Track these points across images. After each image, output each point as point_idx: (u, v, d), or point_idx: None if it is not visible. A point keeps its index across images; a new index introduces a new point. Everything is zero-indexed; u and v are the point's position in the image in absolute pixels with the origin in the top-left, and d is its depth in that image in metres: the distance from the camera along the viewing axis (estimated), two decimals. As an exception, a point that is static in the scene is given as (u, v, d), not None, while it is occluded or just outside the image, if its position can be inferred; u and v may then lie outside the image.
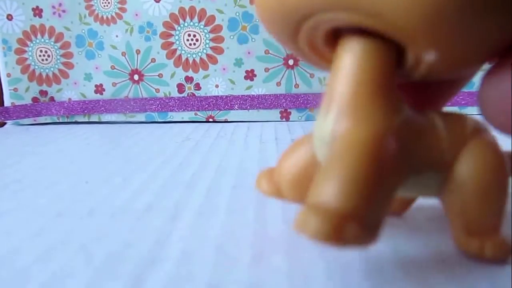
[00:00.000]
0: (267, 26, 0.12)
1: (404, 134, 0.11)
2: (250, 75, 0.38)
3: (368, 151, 0.10)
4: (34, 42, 0.39)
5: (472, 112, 0.38)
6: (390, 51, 0.11)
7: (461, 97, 0.37)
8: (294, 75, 0.38)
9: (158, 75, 0.39)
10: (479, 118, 0.13)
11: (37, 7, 0.38)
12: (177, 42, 0.38)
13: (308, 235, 0.11)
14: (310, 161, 0.13)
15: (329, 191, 0.10)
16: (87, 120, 0.40)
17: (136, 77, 0.39)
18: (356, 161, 0.10)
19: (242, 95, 0.39)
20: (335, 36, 0.11)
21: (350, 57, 0.11)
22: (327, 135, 0.11)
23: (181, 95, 0.39)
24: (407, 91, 0.13)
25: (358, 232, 0.09)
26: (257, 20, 0.37)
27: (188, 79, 0.39)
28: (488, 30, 0.09)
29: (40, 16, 0.38)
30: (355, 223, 0.09)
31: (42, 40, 0.39)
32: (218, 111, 0.39)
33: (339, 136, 0.11)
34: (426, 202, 0.16)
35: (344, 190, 0.10)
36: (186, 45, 0.38)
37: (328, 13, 0.10)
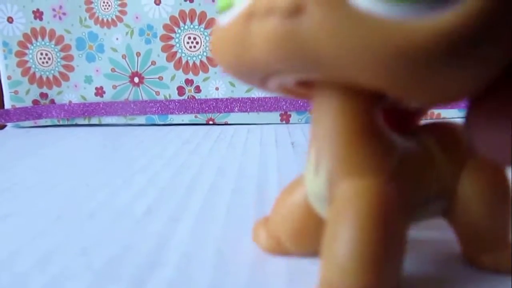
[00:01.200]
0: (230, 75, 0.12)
1: (403, 175, 0.11)
2: (250, 77, 0.38)
3: (373, 212, 0.10)
4: (34, 44, 0.39)
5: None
6: (367, 96, 0.10)
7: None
8: (294, 78, 0.38)
9: (158, 78, 0.39)
10: None
11: (38, 9, 0.38)
12: (177, 45, 0.38)
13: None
14: (308, 212, 0.12)
15: (342, 266, 0.09)
16: (87, 123, 0.40)
17: (136, 79, 0.39)
18: (364, 229, 0.10)
19: (242, 98, 0.39)
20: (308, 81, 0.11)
21: (329, 112, 0.10)
22: (322, 192, 0.11)
23: (181, 98, 0.39)
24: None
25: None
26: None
27: (188, 82, 0.39)
28: (466, 73, 0.09)
29: (41, 19, 0.39)
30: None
31: (43, 42, 0.39)
32: (218, 113, 0.39)
33: (340, 197, 0.10)
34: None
35: (358, 265, 0.09)
36: (186, 48, 0.38)
37: (290, 73, 0.10)
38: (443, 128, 0.13)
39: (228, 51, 0.10)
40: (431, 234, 0.15)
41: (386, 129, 0.11)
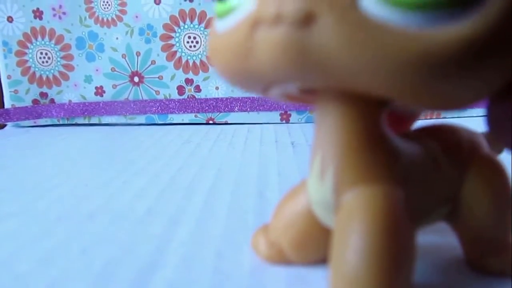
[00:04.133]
0: (232, 83, 0.11)
1: (410, 181, 0.11)
2: (250, 77, 0.38)
3: (381, 220, 0.09)
4: (34, 44, 0.39)
5: (472, 114, 0.38)
6: (373, 103, 0.10)
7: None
8: (294, 77, 0.38)
9: (158, 77, 0.39)
10: (469, 128, 0.13)
11: (38, 9, 0.38)
12: (177, 44, 0.38)
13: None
14: (311, 220, 0.12)
15: (353, 276, 0.09)
16: (87, 122, 0.40)
17: (136, 79, 0.39)
18: (373, 237, 0.09)
19: (242, 97, 0.39)
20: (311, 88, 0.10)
21: (334, 119, 0.10)
22: (328, 200, 0.11)
23: (181, 97, 0.39)
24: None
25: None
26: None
27: (188, 81, 0.39)
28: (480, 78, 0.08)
29: (41, 18, 0.38)
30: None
31: (43, 42, 0.39)
32: (218, 113, 0.39)
33: (347, 205, 0.10)
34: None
35: (370, 275, 0.09)
36: (186, 47, 0.38)
37: (296, 82, 0.09)
38: (444, 131, 0.12)
39: (229, 58, 0.10)
40: (432, 239, 0.15)
41: (391, 135, 0.11)
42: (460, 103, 0.09)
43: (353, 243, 0.09)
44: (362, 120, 0.10)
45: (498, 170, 0.12)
